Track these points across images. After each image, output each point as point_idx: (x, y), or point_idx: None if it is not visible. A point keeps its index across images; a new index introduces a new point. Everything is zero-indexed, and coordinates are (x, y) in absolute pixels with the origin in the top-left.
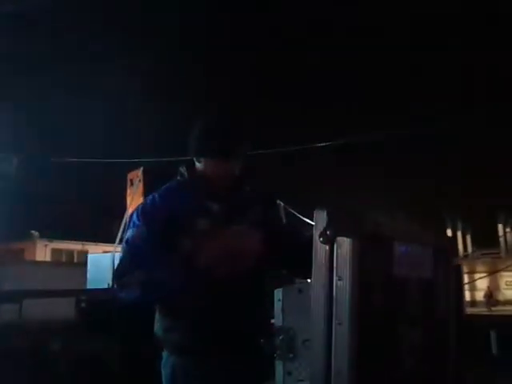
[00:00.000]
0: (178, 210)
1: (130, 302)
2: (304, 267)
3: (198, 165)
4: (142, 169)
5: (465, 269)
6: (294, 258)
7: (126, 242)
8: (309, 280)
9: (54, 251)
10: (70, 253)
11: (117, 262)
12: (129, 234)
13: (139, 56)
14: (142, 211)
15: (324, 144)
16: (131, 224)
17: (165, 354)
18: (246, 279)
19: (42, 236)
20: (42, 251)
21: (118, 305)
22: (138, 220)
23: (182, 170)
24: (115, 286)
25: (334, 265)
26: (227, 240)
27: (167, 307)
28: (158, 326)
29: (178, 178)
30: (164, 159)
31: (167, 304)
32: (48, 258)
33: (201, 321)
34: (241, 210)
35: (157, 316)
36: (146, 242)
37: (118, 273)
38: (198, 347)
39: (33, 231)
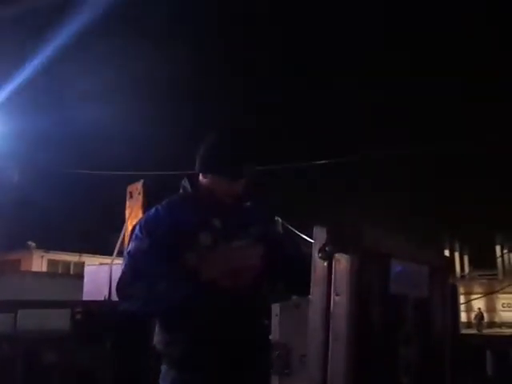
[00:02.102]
0: (181, 224)
1: (132, 314)
2: (302, 283)
3: (203, 179)
4: (142, 182)
5: (462, 290)
6: (292, 275)
7: (129, 253)
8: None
9: (51, 262)
10: (67, 264)
11: (118, 274)
12: (131, 246)
13: (143, 66)
14: (145, 224)
15: (324, 162)
16: (134, 236)
17: (164, 367)
18: (248, 294)
19: (39, 247)
20: (39, 262)
21: (117, 317)
22: (141, 233)
23: (185, 183)
24: (118, 298)
25: (332, 280)
26: (229, 255)
27: (168, 320)
28: (158, 339)
29: (181, 191)
30: (164, 172)
31: (168, 317)
32: (44, 269)
33: (202, 335)
34: (242, 226)
35: (157, 329)
36: (148, 254)
37: (121, 284)
38: (199, 362)
39: (30, 242)
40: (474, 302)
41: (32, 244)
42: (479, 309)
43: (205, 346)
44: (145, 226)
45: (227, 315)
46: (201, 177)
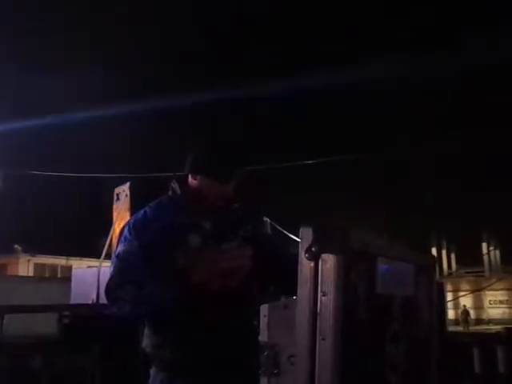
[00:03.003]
0: (170, 226)
1: (121, 317)
2: (291, 285)
3: (192, 181)
4: (129, 184)
5: (449, 287)
6: (281, 276)
7: (117, 256)
8: (294, 297)
9: (37, 266)
10: (54, 268)
11: (106, 276)
12: (120, 248)
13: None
14: (134, 226)
15: (312, 161)
16: (122, 238)
17: (153, 370)
18: (237, 296)
19: (26, 250)
20: (25, 266)
21: (106, 320)
22: (130, 234)
23: (174, 185)
24: (106, 301)
25: (319, 281)
26: (218, 256)
27: (157, 323)
28: (146, 342)
29: (170, 193)
30: (152, 175)
31: (158, 320)
32: (31, 273)
33: (191, 338)
34: (232, 228)
35: (146, 332)
36: (137, 256)
37: (109, 287)
38: (188, 364)
39: (16, 245)
40: (461, 299)
41: (18, 248)
42: (464, 306)
43: (193, 348)
44: (133, 227)
45: (216, 317)
46: (190, 179)
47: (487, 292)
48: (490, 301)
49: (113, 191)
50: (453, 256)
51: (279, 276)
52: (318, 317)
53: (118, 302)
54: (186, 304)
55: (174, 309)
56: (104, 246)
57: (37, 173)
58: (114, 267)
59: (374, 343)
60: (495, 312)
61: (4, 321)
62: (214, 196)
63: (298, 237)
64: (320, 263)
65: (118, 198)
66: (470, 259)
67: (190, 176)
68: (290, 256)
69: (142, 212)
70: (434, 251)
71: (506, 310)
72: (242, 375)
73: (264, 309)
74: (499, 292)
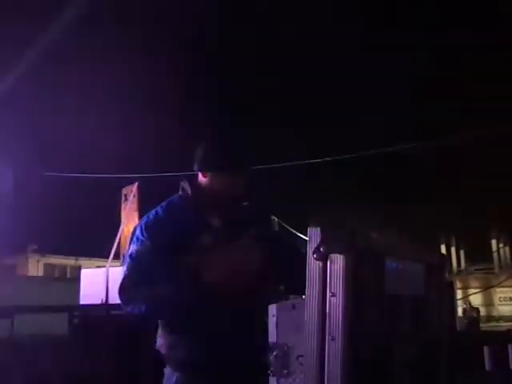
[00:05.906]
0: (182, 225)
1: (135, 317)
2: (300, 283)
3: (202, 179)
4: (136, 184)
5: (458, 284)
6: (291, 274)
7: (130, 256)
8: (303, 296)
9: (47, 266)
10: (63, 268)
11: (115, 276)
12: (133, 248)
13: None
14: (146, 226)
15: (320, 160)
16: (135, 238)
17: (167, 370)
18: (250, 295)
19: (35, 251)
20: (35, 266)
21: (115, 320)
22: (142, 235)
23: (184, 184)
24: (120, 300)
25: (328, 281)
26: (231, 255)
27: (172, 323)
28: (161, 343)
29: (180, 192)
30: (159, 174)
31: (172, 320)
32: (41, 274)
33: (206, 337)
34: (242, 226)
35: (159, 332)
36: (150, 256)
37: (123, 287)
38: (204, 364)
39: (31, 245)
40: (473, 297)
41: (33, 246)
42: (469, 303)
43: (208, 347)
44: (146, 228)
45: (229, 317)
46: (200, 176)
47: (497, 289)
48: (500, 298)
49: (121, 191)
50: (462, 253)
51: (289, 275)
52: (327, 317)
53: (132, 302)
54: (200, 304)
55: (187, 309)
56: (112, 247)
57: (45, 173)
58: (127, 267)
59: (383, 343)
60: (505, 309)
61: (14, 321)
62: (224, 193)
63: (305, 235)
64: (328, 263)
65: (125, 199)
66: (479, 256)
67: (199, 174)
68: (300, 255)
69: (153, 212)
70: (443, 248)
71: None
72: (256, 374)
73: (272, 309)
74: (509, 289)
